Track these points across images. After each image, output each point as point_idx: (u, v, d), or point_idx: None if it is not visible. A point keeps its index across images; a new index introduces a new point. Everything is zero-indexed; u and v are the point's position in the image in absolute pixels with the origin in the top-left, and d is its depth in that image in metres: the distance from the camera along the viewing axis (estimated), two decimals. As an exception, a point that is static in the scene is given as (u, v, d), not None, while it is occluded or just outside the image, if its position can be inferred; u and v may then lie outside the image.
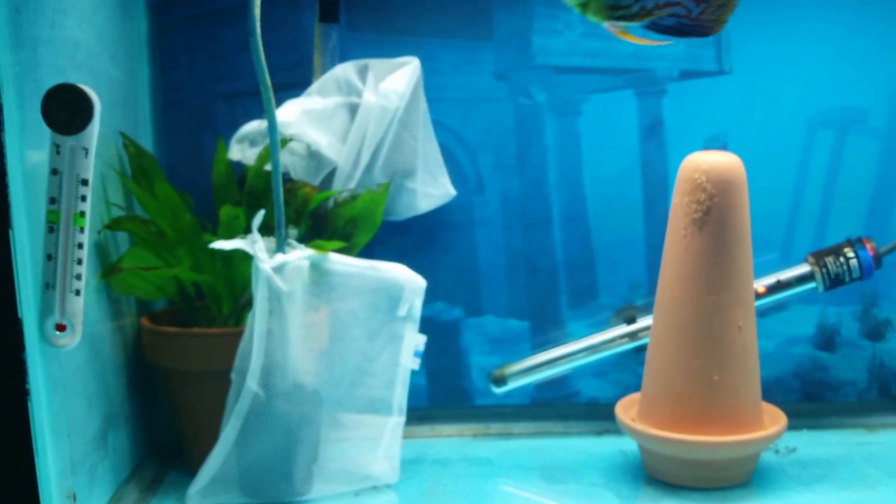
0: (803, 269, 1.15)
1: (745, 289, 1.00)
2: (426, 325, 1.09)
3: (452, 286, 1.24)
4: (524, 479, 1.08)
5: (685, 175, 1.00)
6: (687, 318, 1.00)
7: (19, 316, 0.74)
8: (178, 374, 1.05)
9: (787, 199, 1.22)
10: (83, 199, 0.75)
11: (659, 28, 0.74)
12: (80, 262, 0.76)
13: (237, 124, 1.15)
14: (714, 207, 0.98)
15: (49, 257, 0.76)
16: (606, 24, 0.75)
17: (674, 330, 1.01)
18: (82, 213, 0.76)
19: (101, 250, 0.99)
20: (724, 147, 1.18)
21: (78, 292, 0.77)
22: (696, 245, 0.99)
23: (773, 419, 1.05)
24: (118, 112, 1.08)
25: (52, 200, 0.75)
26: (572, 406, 1.26)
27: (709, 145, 1.20)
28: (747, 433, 1.00)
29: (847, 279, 1.13)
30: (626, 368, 1.24)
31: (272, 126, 0.96)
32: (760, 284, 1.14)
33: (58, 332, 0.77)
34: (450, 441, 1.22)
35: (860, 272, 1.12)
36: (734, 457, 1.01)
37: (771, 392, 1.06)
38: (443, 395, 1.26)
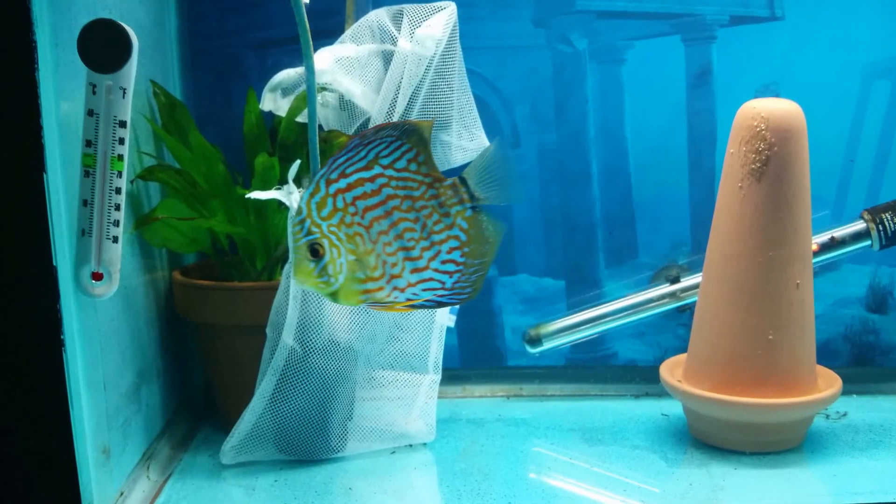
0: (858, 225, 1.11)
1: (804, 244, 0.96)
2: (459, 283, 1.06)
3: (487, 243, 1.21)
4: (563, 441, 1.05)
5: (743, 123, 0.96)
6: (742, 275, 0.96)
7: (54, 264, 0.71)
8: (210, 329, 1.03)
9: (840, 152, 1.17)
10: (121, 141, 0.72)
11: (416, 304, 0.77)
12: (117, 207, 0.73)
13: (268, 74, 1.11)
14: (773, 157, 0.94)
15: (85, 203, 0.73)
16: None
17: (727, 287, 0.97)
18: (120, 157, 0.72)
19: (133, 200, 0.96)
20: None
21: (115, 239, 0.73)
22: (753, 197, 0.95)
23: (828, 381, 1.01)
24: (147, 60, 1.04)
25: (89, 143, 0.72)
26: (609, 368, 1.23)
27: (759, 95, 1.15)
28: (802, 395, 0.96)
29: (904, 237, 1.08)
30: (666, 329, 1.21)
31: (310, 72, 0.92)
32: (813, 242, 1.09)
33: (94, 281, 0.74)
34: (483, 401, 1.20)
35: (918, 230, 1.07)
36: (789, 420, 0.97)
37: (819, 355, 1.02)
38: (475, 355, 1.23)
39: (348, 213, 0.75)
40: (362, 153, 0.75)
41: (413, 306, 0.77)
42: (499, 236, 0.78)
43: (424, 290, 0.77)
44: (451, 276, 0.77)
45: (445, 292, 0.77)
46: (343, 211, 0.74)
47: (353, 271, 0.76)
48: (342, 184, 0.74)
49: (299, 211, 0.75)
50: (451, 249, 0.77)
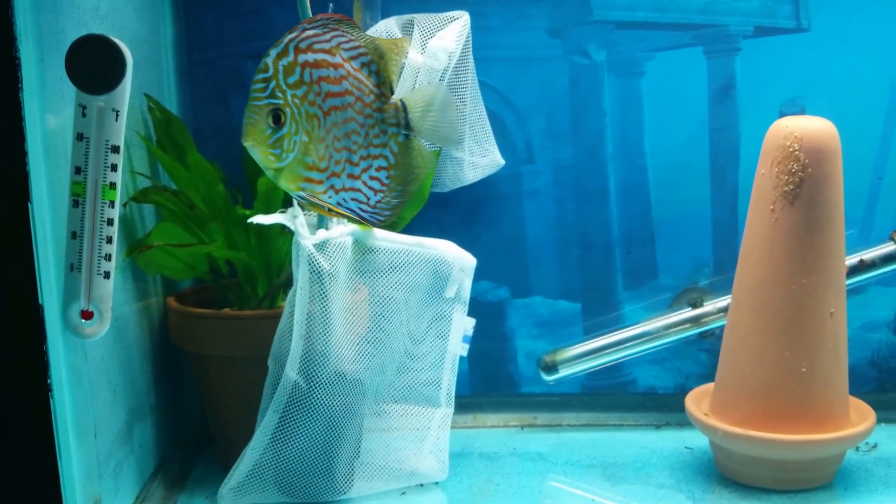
0: (889, 247, 1.07)
1: (838, 270, 0.92)
2: (469, 306, 1.01)
3: (498, 264, 1.16)
4: (584, 478, 0.99)
5: (774, 142, 0.91)
6: (774, 303, 0.91)
7: (40, 302, 0.66)
8: (207, 360, 0.98)
9: (868, 170, 1.13)
10: (113, 168, 0.67)
11: (343, 208, 0.77)
12: (109, 240, 0.68)
13: (269, 86, 1.06)
14: (807, 179, 0.89)
15: (74, 235, 0.68)
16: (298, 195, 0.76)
17: (757, 316, 0.92)
18: (112, 185, 0.67)
19: (125, 224, 0.90)
20: (801, 112, 1.08)
21: (107, 275, 0.68)
22: (786, 221, 0.90)
23: (861, 414, 0.96)
24: (141, 72, 0.98)
25: (78, 170, 0.67)
26: (628, 395, 1.18)
27: (784, 110, 1.11)
28: (836, 430, 0.92)
29: (939, 260, 1.04)
30: (688, 355, 1.16)
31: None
32: (843, 265, 1.05)
33: (83, 321, 0.69)
34: (495, 432, 1.15)
35: (955, 252, 1.03)
36: (822, 456, 0.92)
37: (847, 382, 0.97)
38: (487, 381, 1.19)
39: (312, 91, 0.72)
40: (326, 36, 0.72)
41: (340, 207, 0.76)
42: (427, 168, 0.78)
43: (353, 199, 0.76)
44: (375, 194, 0.77)
45: (368, 209, 0.77)
46: (308, 87, 0.71)
47: (304, 154, 0.73)
48: (310, 57, 0.71)
49: (265, 68, 0.70)
50: (379, 168, 0.77)
